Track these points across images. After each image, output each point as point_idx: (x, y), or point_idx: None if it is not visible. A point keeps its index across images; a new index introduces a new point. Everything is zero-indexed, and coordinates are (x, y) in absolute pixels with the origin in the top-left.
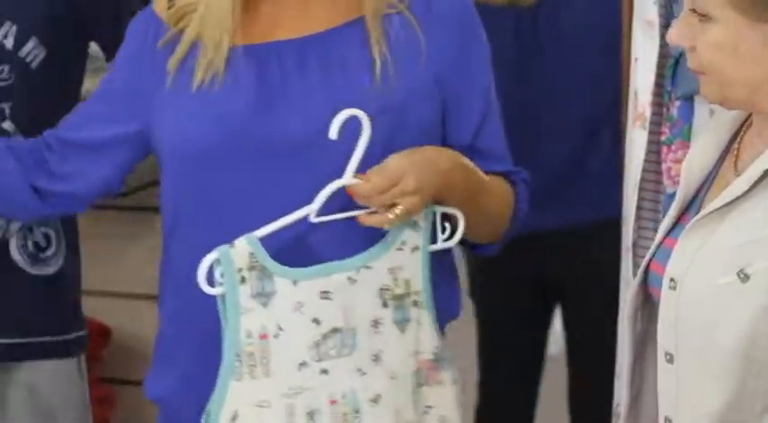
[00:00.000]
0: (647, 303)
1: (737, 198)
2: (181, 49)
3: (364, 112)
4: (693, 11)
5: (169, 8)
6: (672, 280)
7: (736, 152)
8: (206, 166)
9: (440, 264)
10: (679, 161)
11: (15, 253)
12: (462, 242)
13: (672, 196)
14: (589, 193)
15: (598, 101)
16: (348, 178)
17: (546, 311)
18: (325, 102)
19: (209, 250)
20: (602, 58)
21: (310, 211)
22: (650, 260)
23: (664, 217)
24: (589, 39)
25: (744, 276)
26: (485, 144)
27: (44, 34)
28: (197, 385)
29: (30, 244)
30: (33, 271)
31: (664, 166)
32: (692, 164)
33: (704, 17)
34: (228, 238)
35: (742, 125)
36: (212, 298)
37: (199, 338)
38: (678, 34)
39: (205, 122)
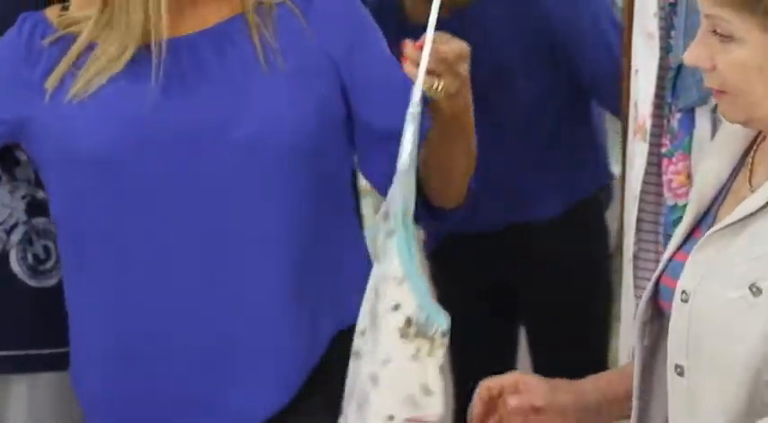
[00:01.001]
0: (657, 317)
1: (752, 213)
2: (73, 52)
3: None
4: (714, 32)
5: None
6: (683, 292)
7: (750, 166)
8: (115, 168)
9: None
10: (680, 173)
11: (15, 265)
12: (429, 210)
13: (673, 208)
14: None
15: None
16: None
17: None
18: (222, 92)
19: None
20: (545, 71)
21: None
22: (661, 274)
23: (665, 229)
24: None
25: (756, 290)
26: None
27: None
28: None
29: (29, 256)
30: (33, 283)
31: (664, 178)
32: (704, 177)
33: (726, 38)
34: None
35: (756, 138)
36: None
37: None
38: (696, 55)
39: (109, 124)
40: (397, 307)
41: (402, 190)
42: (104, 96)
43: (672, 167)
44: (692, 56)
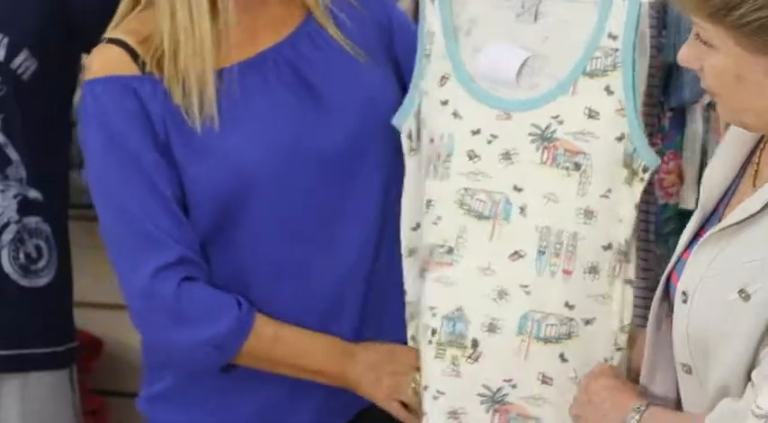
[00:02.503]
0: (670, 313)
1: (751, 216)
2: (176, 96)
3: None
4: (698, 35)
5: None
6: (684, 293)
7: (755, 167)
8: (273, 183)
9: None
10: (671, 172)
11: (7, 264)
12: None
13: (664, 207)
14: None
15: None
16: None
17: None
18: (352, 97)
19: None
20: None
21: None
22: (671, 272)
23: (656, 228)
24: None
25: (745, 296)
26: None
27: (36, 46)
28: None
29: (21, 255)
30: (25, 282)
31: (656, 177)
32: (711, 177)
33: (707, 44)
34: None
35: (761, 139)
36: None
37: None
38: (687, 55)
39: (256, 150)
40: (621, 137)
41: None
42: (245, 124)
43: (663, 166)
44: (682, 55)
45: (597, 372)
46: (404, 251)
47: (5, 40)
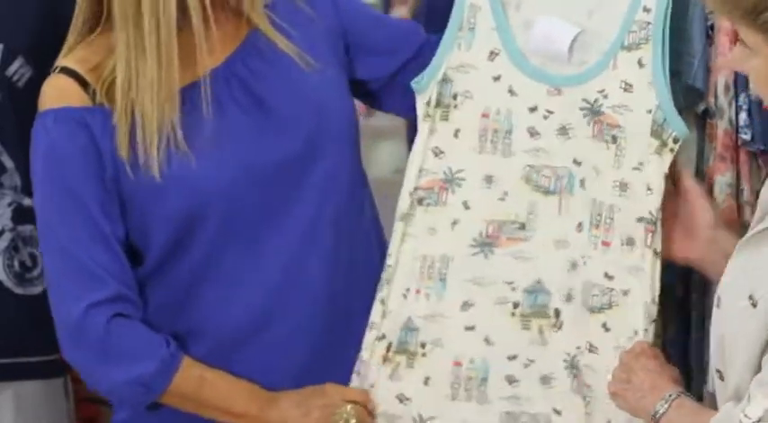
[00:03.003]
0: None
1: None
2: (122, 131)
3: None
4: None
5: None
6: (718, 298)
7: None
8: (229, 201)
9: None
10: None
11: (1, 273)
12: None
13: None
14: None
15: None
16: None
17: None
18: (303, 109)
19: (246, 269)
20: None
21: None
22: None
23: None
24: None
25: (753, 302)
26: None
27: (31, 54)
28: None
29: (16, 264)
30: (19, 291)
31: None
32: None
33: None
34: (265, 267)
35: None
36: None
37: None
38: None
39: (227, 167)
40: (651, 110)
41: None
42: (201, 146)
43: None
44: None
45: (638, 351)
46: (398, 215)
47: (0, 47)
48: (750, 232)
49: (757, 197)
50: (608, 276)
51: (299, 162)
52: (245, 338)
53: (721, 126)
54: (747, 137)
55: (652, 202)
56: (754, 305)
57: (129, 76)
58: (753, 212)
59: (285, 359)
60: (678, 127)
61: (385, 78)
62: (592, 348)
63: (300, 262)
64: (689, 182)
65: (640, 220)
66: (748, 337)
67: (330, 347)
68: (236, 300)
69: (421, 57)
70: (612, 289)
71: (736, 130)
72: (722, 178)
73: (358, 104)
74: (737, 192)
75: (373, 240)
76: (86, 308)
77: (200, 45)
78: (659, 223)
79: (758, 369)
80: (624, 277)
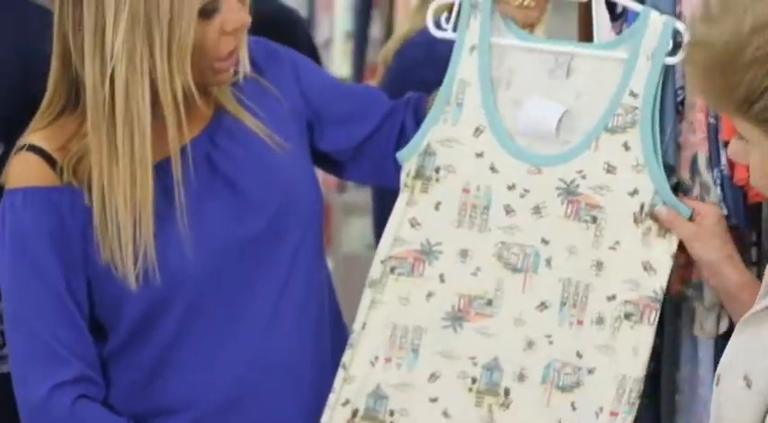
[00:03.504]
0: None
1: None
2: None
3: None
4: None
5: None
6: (718, 376)
7: None
8: (198, 282)
9: None
10: None
11: None
12: None
13: None
14: None
15: None
16: None
17: None
18: (269, 188)
19: (216, 347)
20: None
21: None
22: None
23: None
24: None
25: (748, 382)
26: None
27: (3, 130)
28: None
29: None
30: None
31: None
32: None
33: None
34: (232, 345)
35: None
36: None
37: None
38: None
39: (176, 253)
40: (634, 192)
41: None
42: (171, 229)
43: None
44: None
45: None
46: (368, 282)
47: None
48: (752, 310)
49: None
50: (579, 355)
51: (264, 241)
52: (216, 417)
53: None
54: (724, 211)
55: (657, 282)
56: (749, 385)
57: (102, 182)
58: None
59: None
60: (681, 209)
61: (351, 148)
62: None
63: (267, 340)
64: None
65: (611, 299)
66: (745, 417)
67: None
68: (206, 379)
69: (388, 124)
70: (580, 368)
71: None
72: None
73: (329, 180)
74: None
75: (331, 318)
76: (50, 389)
77: (172, 135)
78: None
79: None
80: (593, 356)
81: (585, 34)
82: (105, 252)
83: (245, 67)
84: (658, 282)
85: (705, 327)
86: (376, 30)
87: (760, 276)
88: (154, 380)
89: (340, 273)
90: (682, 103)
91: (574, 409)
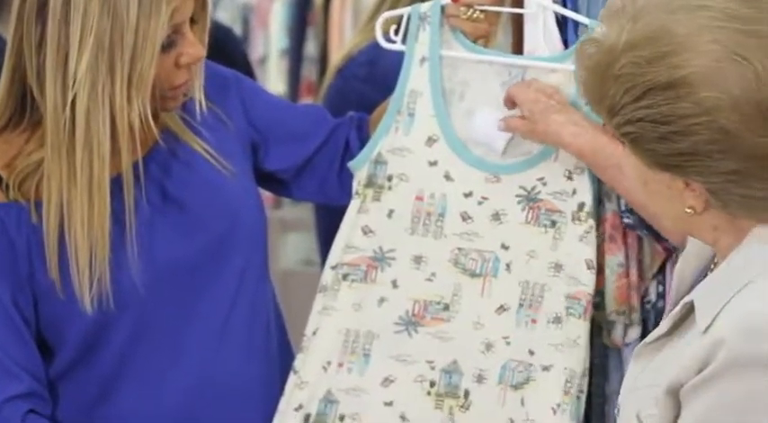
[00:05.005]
0: None
1: (662, 336)
2: (52, 253)
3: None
4: None
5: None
6: (618, 407)
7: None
8: (144, 303)
9: None
10: None
11: None
12: None
13: None
14: None
15: None
16: None
17: None
18: (215, 209)
19: (163, 365)
20: None
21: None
22: None
23: None
24: None
25: (639, 421)
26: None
27: None
28: None
29: None
30: None
31: None
32: (681, 274)
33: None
34: (178, 364)
35: None
36: None
37: None
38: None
39: (123, 275)
40: (573, 192)
41: None
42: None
43: None
44: None
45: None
46: (319, 287)
47: None
48: (645, 341)
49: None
50: (530, 352)
51: (211, 262)
52: None
53: (610, 208)
54: (630, 221)
55: (593, 279)
56: None
57: (60, 204)
58: (637, 296)
59: None
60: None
61: (297, 166)
62: None
63: (213, 364)
64: None
65: (569, 297)
66: None
67: None
68: (152, 403)
69: (332, 141)
70: (532, 364)
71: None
72: (613, 258)
73: (265, 196)
74: (627, 272)
75: (278, 337)
76: (1, 403)
77: (125, 163)
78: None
79: None
80: (549, 353)
81: (518, 47)
82: (52, 271)
83: (201, 95)
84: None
85: (612, 335)
86: (311, 47)
87: None
88: (99, 403)
89: (278, 288)
90: None
91: (522, 404)
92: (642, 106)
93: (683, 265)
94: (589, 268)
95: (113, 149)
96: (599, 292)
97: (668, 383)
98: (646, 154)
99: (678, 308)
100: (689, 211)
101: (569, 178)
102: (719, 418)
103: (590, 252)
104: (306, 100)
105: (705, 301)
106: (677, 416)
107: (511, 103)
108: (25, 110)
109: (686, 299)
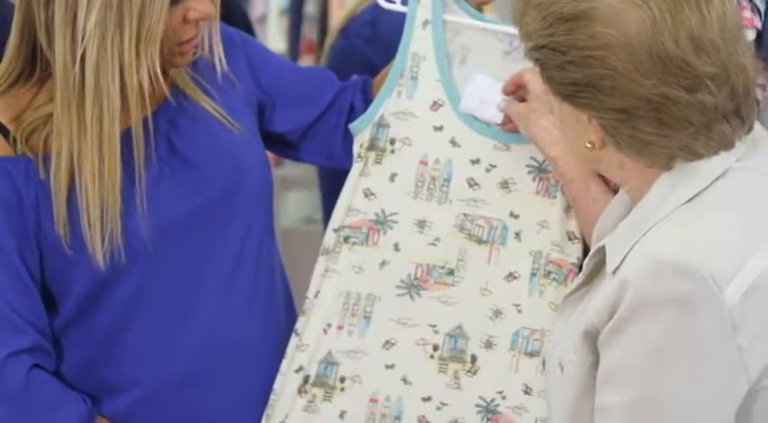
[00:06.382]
0: None
1: (580, 286)
2: (60, 208)
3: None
4: None
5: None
6: (543, 362)
7: None
8: (148, 257)
9: None
10: None
11: None
12: None
13: None
14: None
15: None
16: None
17: None
18: (221, 164)
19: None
20: None
21: None
22: None
23: None
24: None
25: (561, 368)
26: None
27: None
28: None
29: None
30: None
31: None
32: (604, 220)
33: None
34: (184, 322)
35: None
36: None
37: None
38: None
39: (129, 228)
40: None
41: None
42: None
43: None
44: None
45: None
46: (321, 250)
47: None
48: (567, 290)
49: None
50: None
51: (216, 218)
52: (166, 397)
53: None
54: None
55: (577, 250)
56: (562, 371)
57: (71, 157)
58: None
59: (224, 407)
60: None
61: (303, 128)
62: (527, 390)
63: (218, 322)
64: None
65: (575, 264)
66: (560, 403)
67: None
68: (157, 358)
69: (337, 104)
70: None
71: None
72: None
73: (267, 155)
74: None
75: (284, 300)
76: (5, 357)
77: (135, 118)
78: None
79: None
80: None
81: None
82: (60, 226)
83: (219, 52)
84: (579, 249)
85: None
86: (311, 6)
87: None
88: (103, 357)
89: (279, 246)
90: None
91: (538, 371)
92: (547, 34)
93: (608, 210)
94: (571, 240)
95: (123, 104)
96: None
97: (584, 327)
98: (549, 82)
99: (592, 252)
100: (588, 145)
101: None
102: (637, 361)
103: (572, 224)
104: (306, 59)
105: (614, 244)
106: (594, 361)
107: (515, 85)
108: (35, 66)
109: (599, 244)
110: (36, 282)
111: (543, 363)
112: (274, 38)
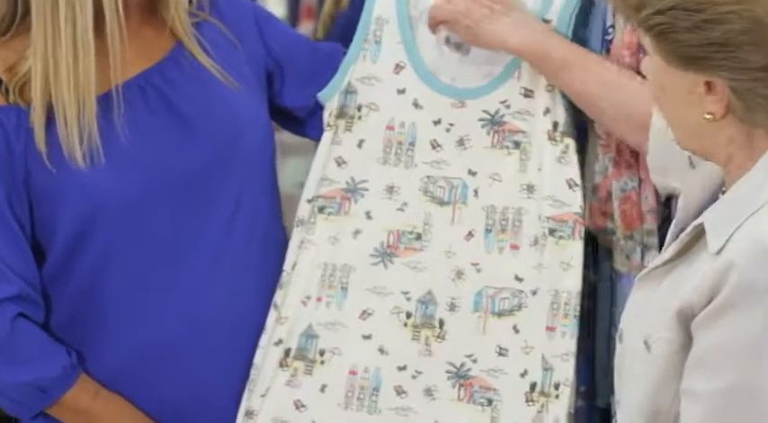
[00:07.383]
0: None
1: (668, 261)
2: (38, 124)
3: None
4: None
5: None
6: (621, 332)
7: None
8: (134, 213)
9: None
10: None
11: None
12: None
13: None
14: None
15: None
16: None
17: None
18: (219, 122)
19: (150, 288)
20: None
21: None
22: None
23: None
24: None
25: (647, 346)
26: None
27: None
28: None
29: None
30: None
31: None
32: (686, 206)
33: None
34: (166, 285)
35: None
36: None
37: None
38: (644, 66)
39: (120, 181)
40: (546, 111)
41: None
42: (112, 152)
43: None
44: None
45: None
46: (296, 221)
47: None
48: (650, 266)
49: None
50: (518, 279)
51: (209, 176)
52: (150, 355)
53: None
54: None
55: (579, 197)
56: (648, 349)
57: (47, 71)
58: (654, 219)
59: (206, 380)
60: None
61: (310, 107)
62: (502, 351)
63: (205, 289)
64: None
65: (542, 219)
66: (641, 381)
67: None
68: (140, 317)
69: None
70: (522, 291)
71: None
72: (616, 184)
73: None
74: (639, 199)
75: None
76: None
77: (113, 48)
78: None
79: (649, 414)
80: (534, 277)
81: None
82: (40, 143)
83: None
84: (581, 197)
85: (631, 259)
86: None
87: None
88: (84, 313)
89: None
90: (611, 41)
91: (516, 331)
92: None
93: (687, 198)
94: (571, 187)
95: (107, 66)
96: (613, 216)
97: (679, 306)
98: (674, 46)
99: (688, 230)
100: (708, 116)
101: (528, 96)
102: (737, 347)
103: (571, 171)
104: (306, 24)
105: (717, 223)
106: (685, 342)
107: (437, 24)
108: (26, 14)
109: (695, 222)
110: (26, 232)
111: (620, 334)
112: (274, 2)
